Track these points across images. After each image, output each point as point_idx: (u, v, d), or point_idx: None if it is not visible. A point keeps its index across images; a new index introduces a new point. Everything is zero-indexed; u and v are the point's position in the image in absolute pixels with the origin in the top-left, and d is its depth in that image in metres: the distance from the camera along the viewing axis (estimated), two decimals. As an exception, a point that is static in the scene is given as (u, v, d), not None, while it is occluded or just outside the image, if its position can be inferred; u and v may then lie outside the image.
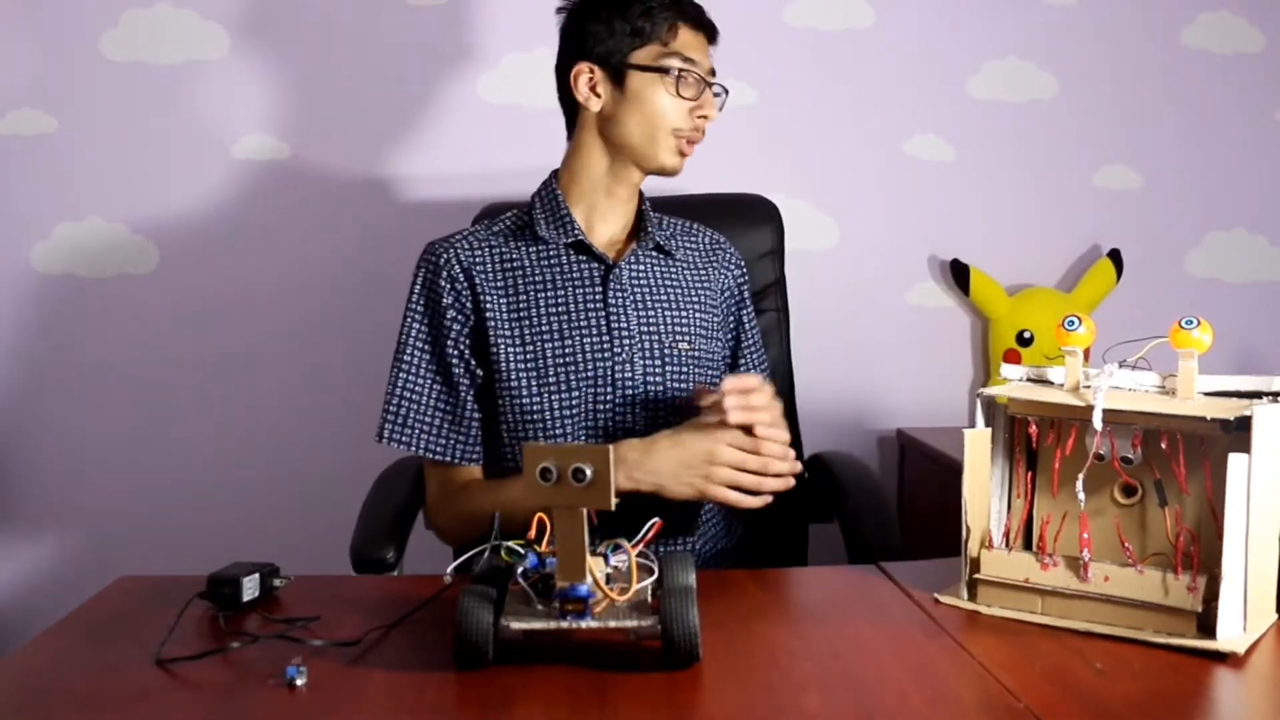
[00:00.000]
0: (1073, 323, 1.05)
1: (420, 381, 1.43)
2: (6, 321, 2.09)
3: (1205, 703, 0.90)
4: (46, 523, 2.12)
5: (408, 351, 1.44)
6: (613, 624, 0.92)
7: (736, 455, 1.26)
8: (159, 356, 2.10)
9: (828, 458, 1.64)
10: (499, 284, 1.43)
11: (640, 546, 0.99)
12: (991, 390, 1.10)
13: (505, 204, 1.75)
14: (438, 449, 1.42)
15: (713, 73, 1.44)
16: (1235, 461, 0.94)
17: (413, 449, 1.42)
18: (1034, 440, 1.08)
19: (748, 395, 1.27)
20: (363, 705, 0.87)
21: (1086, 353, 1.14)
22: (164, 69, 2.06)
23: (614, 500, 1.22)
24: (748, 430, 1.27)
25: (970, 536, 1.08)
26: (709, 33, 1.45)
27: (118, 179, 2.08)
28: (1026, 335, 2.14)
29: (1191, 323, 0.99)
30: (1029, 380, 1.11)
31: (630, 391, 1.41)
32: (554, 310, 1.42)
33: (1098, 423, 0.99)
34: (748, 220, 1.76)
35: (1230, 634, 0.95)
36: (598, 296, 1.42)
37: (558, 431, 1.40)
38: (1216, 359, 1.08)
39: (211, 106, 2.07)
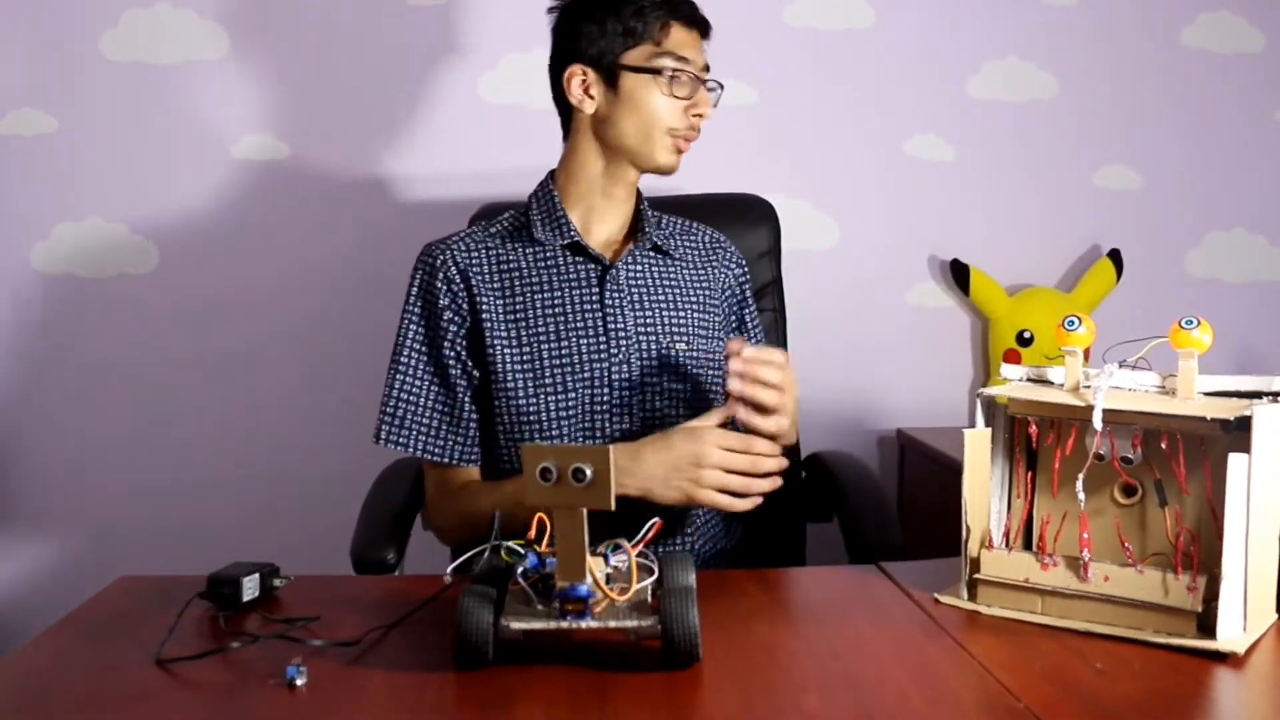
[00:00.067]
0: (1073, 323, 1.05)
1: (418, 383, 1.43)
2: (6, 321, 2.09)
3: (1205, 703, 0.90)
4: (46, 523, 2.12)
5: (405, 353, 1.44)
6: (613, 624, 0.92)
7: (724, 457, 1.24)
8: (159, 356, 2.10)
9: (826, 457, 1.64)
10: (495, 285, 1.43)
11: (640, 546, 0.99)
12: (991, 390, 1.10)
13: (502, 204, 1.76)
14: (435, 450, 1.42)
15: (707, 68, 1.44)
16: (1235, 461, 0.94)
17: (410, 450, 1.42)
18: (1034, 440, 1.08)
19: (754, 366, 1.25)
20: (363, 705, 0.87)
21: (1086, 353, 1.14)
22: (164, 69, 2.06)
23: (614, 501, 1.23)
24: (741, 429, 1.26)
25: (970, 536, 1.08)
26: (702, 29, 1.44)
27: (118, 179, 2.08)
28: (1026, 335, 2.14)
29: (1191, 323, 0.99)
30: (1029, 380, 1.10)
31: (627, 392, 1.40)
32: (550, 311, 1.41)
33: (1098, 423, 0.99)
34: (745, 220, 1.76)
35: (1230, 634, 0.95)
36: (594, 297, 1.42)
37: (553, 432, 1.40)
38: (1216, 359, 1.08)
39: (211, 106, 2.07)
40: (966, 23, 2.19)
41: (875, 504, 1.48)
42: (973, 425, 1.08)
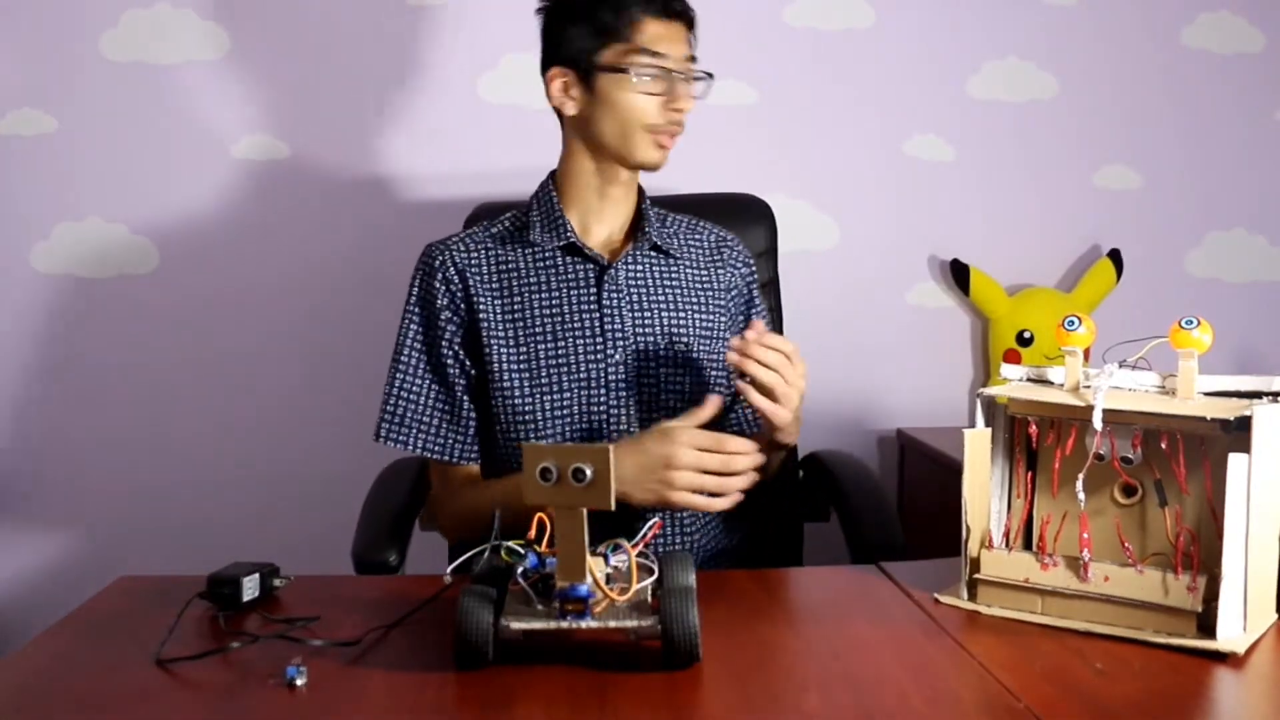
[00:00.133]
0: (1073, 323, 1.05)
1: (418, 382, 1.43)
2: (6, 321, 2.09)
3: (1205, 703, 0.90)
4: (46, 523, 2.12)
5: (405, 352, 1.44)
6: (613, 624, 0.92)
7: (697, 458, 1.23)
8: (159, 356, 2.10)
9: (825, 457, 1.64)
10: (494, 286, 1.43)
11: (640, 546, 0.99)
12: (991, 390, 1.10)
13: (499, 204, 1.76)
14: (435, 448, 1.43)
15: (693, 59, 1.41)
16: (1235, 461, 0.94)
17: (409, 448, 1.42)
18: (1034, 440, 1.08)
19: (753, 345, 1.25)
20: (363, 705, 0.87)
21: (1086, 353, 1.14)
22: (164, 69, 2.06)
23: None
24: (737, 423, 1.26)
25: (970, 536, 1.08)
26: (683, 19, 1.40)
27: (118, 179, 2.08)
28: (1026, 335, 2.14)
29: (1191, 323, 0.99)
30: (1029, 380, 1.10)
31: (624, 393, 1.40)
32: (548, 312, 1.42)
33: (1098, 423, 0.99)
34: (742, 220, 1.76)
35: (1230, 634, 0.95)
36: (592, 298, 1.42)
37: (549, 432, 1.40)
38: (1216, 359, 1.08)
39: (211, 106, 2.07)
40: (966, 23, 2.19)
41: (875, 503, 1.48)
42: (973, 425, 1.08)
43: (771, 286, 1.79)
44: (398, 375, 1.44)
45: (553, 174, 1.49)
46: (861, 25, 2.17)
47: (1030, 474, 1.09)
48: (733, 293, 1.53)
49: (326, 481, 2.09)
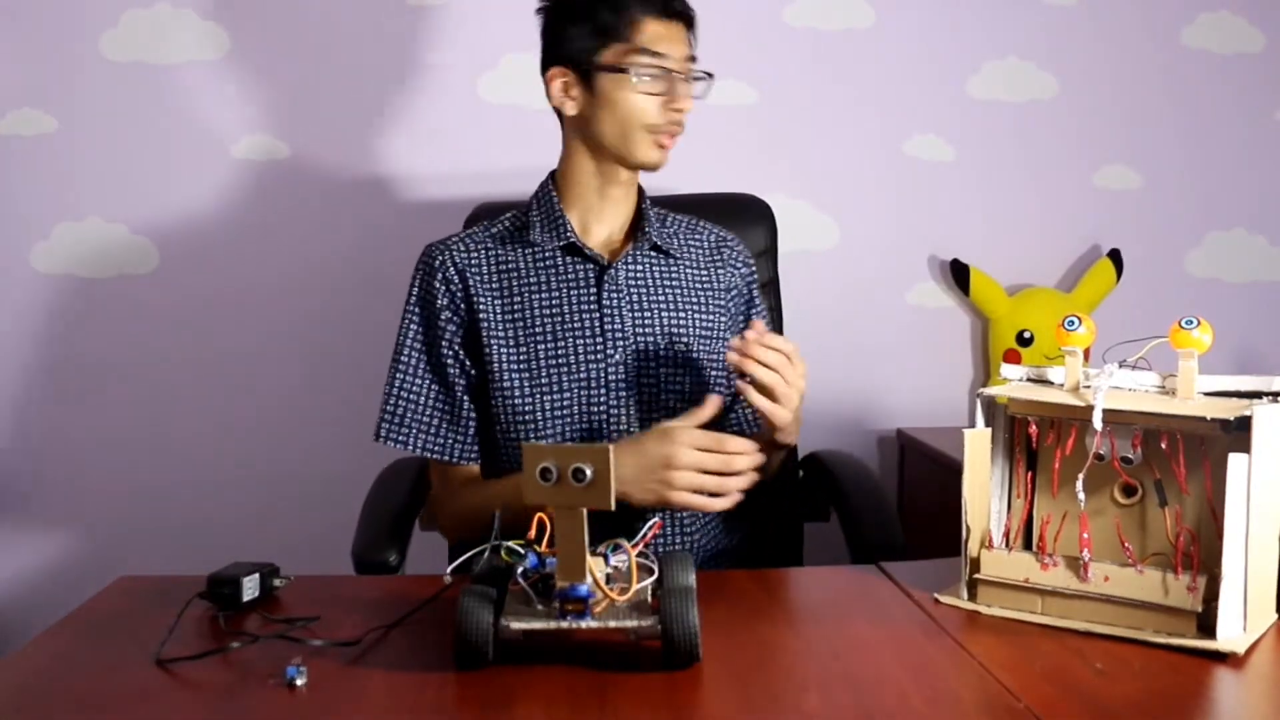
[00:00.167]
0: (1073, 323, 1.05)
1: (418, 382, 1.44)
2: (6, 321, 2.09)
3: (1205, 703, 0.90)
4: (46, 523, 2.12)
5: (405, 352, 1.45)
6: (613, 624, 0.92)
7: (696, 458, 1.23)
8: (159, 356, 2.10)
9: (824, 456, 1.64)
10: (494, 285, 1.43)
11: (640, 546, 0.99)
12: (991, 390, 1.10)
13: (497, 204, 1.77)
14: (435, 448, 1.43)
15: (693, 59, 1.40)
16: (1235, 461, 0.94)
17: (409, 448, 1.43)
18: (1034, 440, 1.08)
19: (752, 344, 1.25)
20: (363, 705, 0.87)
21: (1086, 353, 1.14)
22: (164, 69, 2.06)
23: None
24: (738, 422, 1.26)
25: (970, 536, 1.08)
26: (682, 19, 1.40)
27: (118, 179, 2.08)
28: (1026, 335, 2.14)
29: (1191, 323, 0.99)
30: (1029, 380, 1.10)
31: (623, 393, 1.40)
32: (547, 312, 1.42)
33: (1098, 423, 0.99)
34: (741, 220, 1.75)
35: (1230, 634, 0.95)
36: (591, 298, 1.42)
37: (549, 432, 1.40)
38: (1216, 359, 1.08)
39: (211, 106, 2.07)
40: (966, 23, 2.19)
41: (875, 503, 1.48)
42: (973, 425, 1.08)
43: (771, 286, 1.79)
44: (397, 375, 1.44)
45: (553, 174, 1.49)
46: (861, 25, 2.17)
47: (1030, 474, 1.09)
48: (733, 293, 1.53)
49: (326, 481, 2.09)
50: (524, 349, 1.41)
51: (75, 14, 2.04)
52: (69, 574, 2.11)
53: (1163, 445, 1.00)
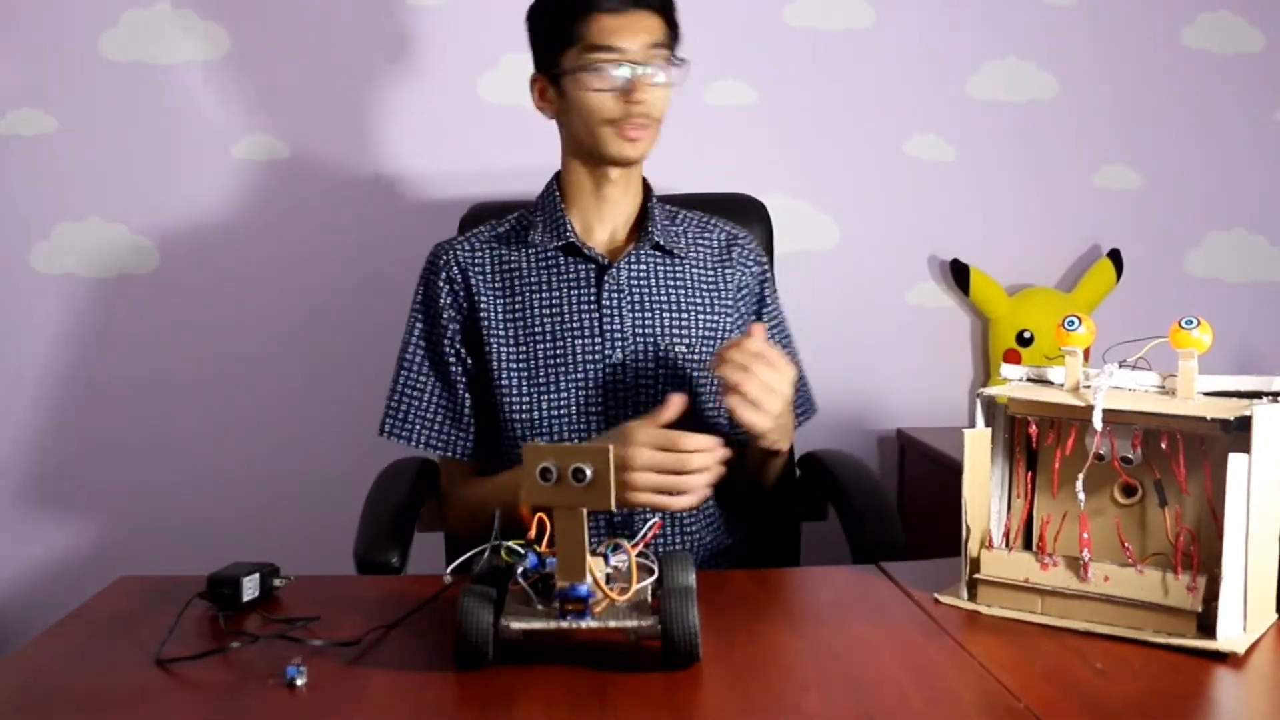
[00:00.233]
0: (1073, 323, 1.05)
1: (421, 379, 1.46)
2: (6, 321, 2.09)
3: (1205, 703, 0.90)
4: (46, 523, 2.12)
5: (409, 350, 1.47)
6: (613, 624, 0.92)
7: (652, 457, 1.21)
8: (159, 356, 2.10)
9: (823, 456, 1.63)
10: (496, 285, 1.44)
11: (640, 546, 0.99)
12: (991, 390, 1.10)
13: (493, 204, 1.77)
14: (438, 444, 1.45)
15: (661, 45, 1.38)
16: (1235, 461, 0.94)
17: (412, 443, 1.45)
18: (1034, 440, 1.08)
19: (729, 347, 1.24)
20: (363, 705, 0.87)
21: (1086, 353, 1.14)
22: (164, 69, 2.06)
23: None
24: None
25: (970, 536, 1.08)
26: (642, 6, 1.37)
27: (118, 179, 2.08)
28: (1026, 335, 2.14)
29: (1191, 323, 0.99)
30: (1029, 380, 1.10)
31: (622, 394, 1.40)
32: (548, 311, 1.42)
33: (1098, 423, 0.99)
34: (737, 220, 1.74)
35: (1230, 634, 0.95)
36: (591, 298, 1.42)
37: (548, 432, 1.40)
38: (1216, 359, 1.08)
39: (211, 106, 2.07)
40: (966, 23, 2.19)
41: (876, 502, 1.48)
42: (973, 425, 1.08)
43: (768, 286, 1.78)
44: (402, 372, 1.46)
45: (557, 174, 1.49)
46: (861, 25, 2.17)
47: (1030, 474, 1.09)
48: (743, 292, 1.52)
49: (326, 481, 2.09)
50: (524, 348, 1.41)
51: (75, 14, 2.04)
52: (69, 574, 2.11)
53: (1163, 445, 1.00)
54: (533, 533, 0.96)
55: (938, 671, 0.93)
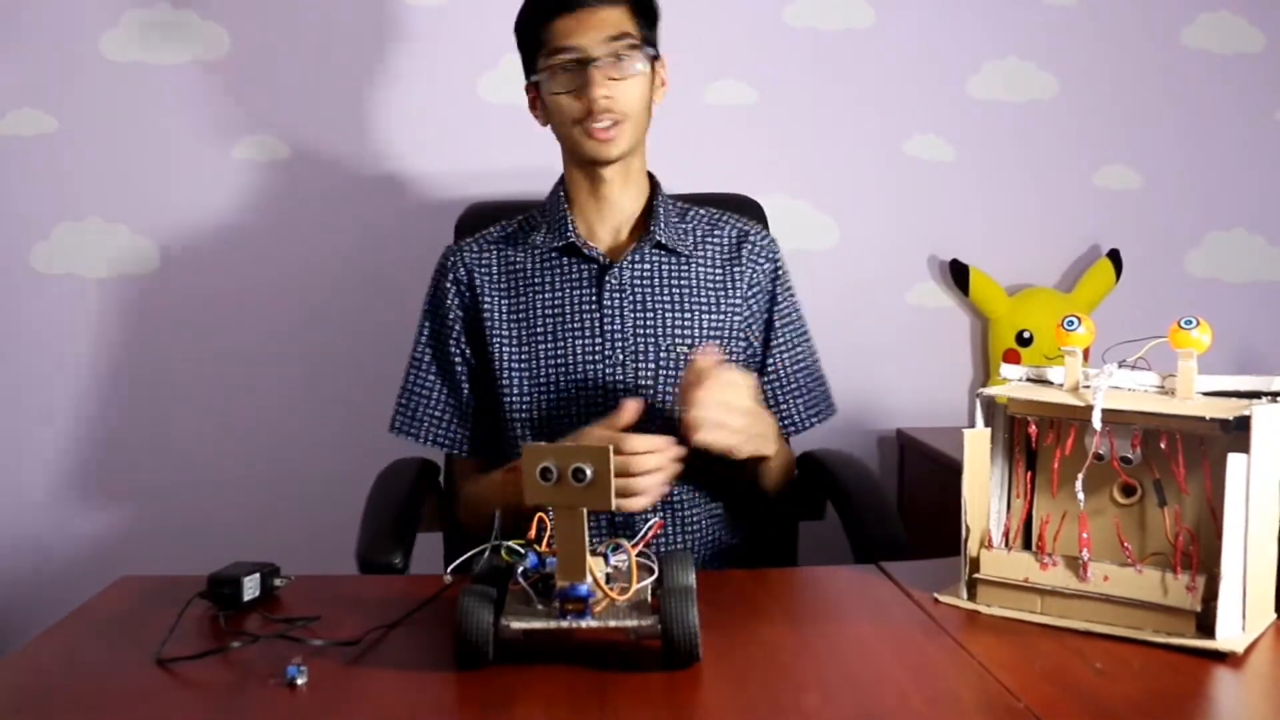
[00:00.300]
0: (1072, 323, 1.05)
1: (429, 379, 1.48)
2: (6, 321, 2.09)
3: (1205, 702, 0.90)
4: (47, 523, 2.12)
5: (418, 349, 1.50)
6: (613, 624, 0.92)
7: None
8: (159, 356, 2.10)
9: (822, 456, 1.63)
10: (501, 285, 1.45)
11: (640, 546, 0.99)
12: (991, 390, 1.10)
13: (490, 205, 1.78)
14: (445, 442, 1.48)
15: (617, 38, 1.36)
16: (1234, 461, 0.94)
17: (420, 440, 1.48)
18: (1033, 440, 1.08)
19: (688, 377, 1.23)
20: (363, 705, 0.87)
21: (1086, 353, 1.14)
22: (164, 69, 2.06)
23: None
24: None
25: (970, 536, 1.08)
26: (589, 3, 1.36)
27: (118, 179, 2.08)
28: (1026, 335, 2.14)
29: (1190, 323, 0.99)
30: (1028, 380, 1.11)
31: (623, 395, 1.40)
32: (550, 312, 1.42)
33: (1097, 423, 0.99)
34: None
35: (1229, 633, 0.95)
36: (592, 298, 1.42)
37: (547, 431, 1.41)
38: (1216, 359, 1.08)
39: (211, 106, 2.08)
40: (966, 23, 2.19)
41: (876, 501, 1.47)
42: (972, 425, 1.08)
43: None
44: (411, 371, 1.49)
45: (564, 175, 1.50)
46: (861, 25, 2.17)
47: (1030, 474, 1.09)
48: (754, 289, 1.50)
49: (326, 481, 2.09)
50: (526, 348, 1.42)
51: (75, 14, 2.04)
52: (69, 574, 2.11)
53: (1162, 445, 1.00)
54: (533, 533, 0.96)
55: (937, 671, 0.93)
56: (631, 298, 1.43)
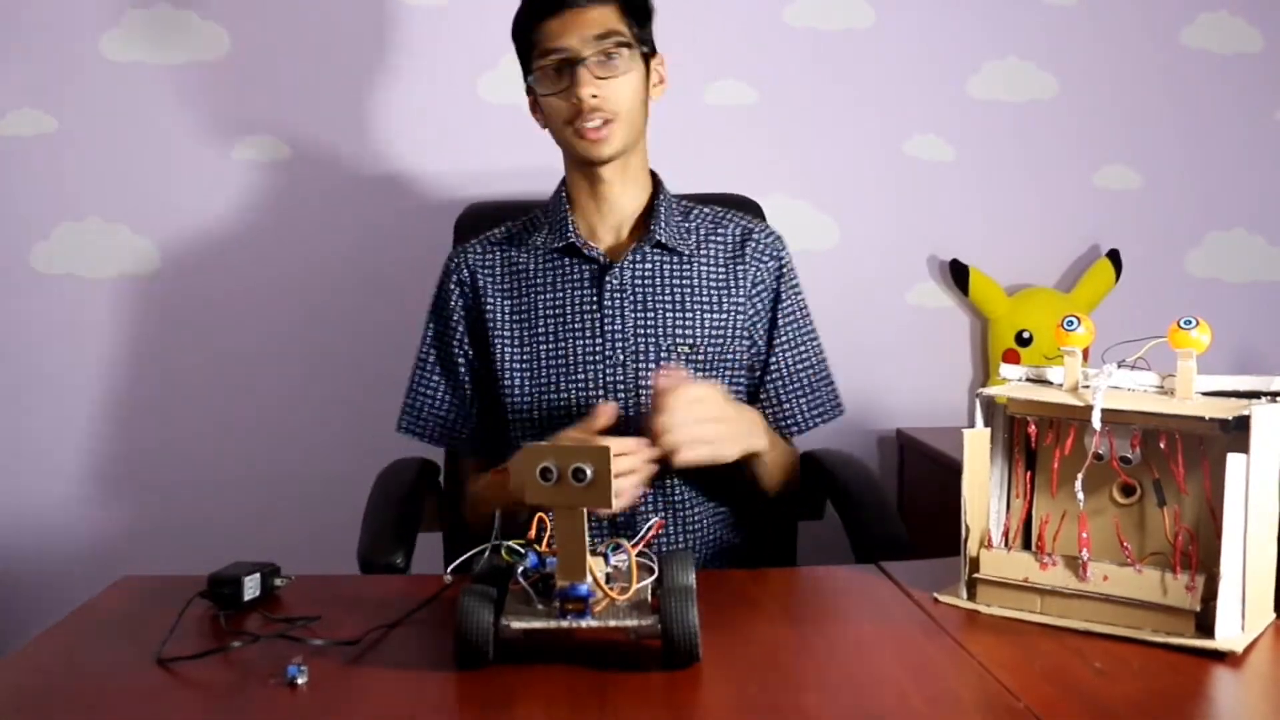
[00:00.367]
0: (1072, 323, 1.05)
1: (434, 379, 1.50)
2: (6, 321, 2.09)
3: (1204, 702, 0.90)
4: (47, 523, 2.12)
5: (424, 349, 1.51)
6: (613, 624, 0.92)
7: None
8: (159, 356, 2.11)
9: (821, 455, 1.63)
10: (503, 286, 1.46)
11: (640, 546, 0.99)
12: (991, 390, 1.10)
13: (488, 205, 1.78)
14: (449, 441, 1.50)
15: (605, 35, 1.36)
16: (1234, 461, 0.94)
17: (425, 439, 1.50)
18: (1033, 440, 1.09)
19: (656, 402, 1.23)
20: (363, 705, 0.87)
21: (1085, 353, 1.14)
22: (164, 69, 2.06)
23: (614, 500, 1.22)
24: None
25: (970, 536, 1.08)
26: (576, 3, 1.36)
27: (118, 179, 2.08)
28: (1026, 335, 2.14)
29: (1190, 323, 0.99)
30: (1028, 380, 1.11)
31: (623, 395, 1.40)
32: (551, 312, 1.43)
33: (1097, 423, 0.99)
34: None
35: (1228, 633, 0.95)
36: (593, 298, 1.42)
37: (548, 432, 1.40)
38: (1216, 359, 1.08)
39: (211, 106, 2.08)
40: (966, 23, 2.19)
41: (877, 500, 1.47)
42: (972, 425, 1.09)
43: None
44: (417, 372, 1.51)
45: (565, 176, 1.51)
46: (861, 25, 2.17)
47: (1029, 474, 1.09)
48: (759, 288, 1.49)
49: (326, 481, 2.09)
50: (527, 348, 1.43)
51: (75, 14, 2.04)
52: (69, 574, 2.11)
53: (1161, 445, 1.00)
54: (533, 533, 0.96)
55: (937, 671, 0.93)
56: (632, 298, 1.43)
